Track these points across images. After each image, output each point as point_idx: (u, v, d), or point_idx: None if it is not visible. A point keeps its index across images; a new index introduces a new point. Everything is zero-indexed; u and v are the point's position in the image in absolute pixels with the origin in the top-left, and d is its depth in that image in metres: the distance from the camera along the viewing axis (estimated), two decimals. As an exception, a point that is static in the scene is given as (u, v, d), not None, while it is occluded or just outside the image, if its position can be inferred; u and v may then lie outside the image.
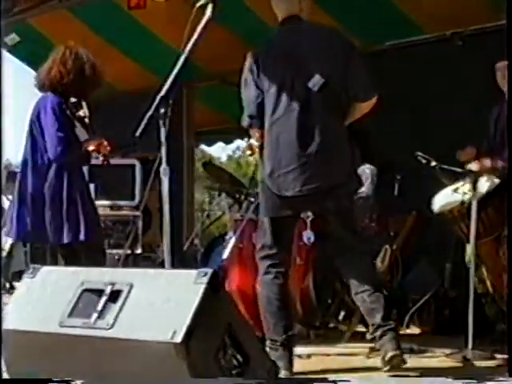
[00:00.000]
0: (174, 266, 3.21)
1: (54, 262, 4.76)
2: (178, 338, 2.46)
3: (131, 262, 6.71)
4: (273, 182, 3.85)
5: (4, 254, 7.15)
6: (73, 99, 4.48)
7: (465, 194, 4.30)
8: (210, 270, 2.63)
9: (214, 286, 2.60)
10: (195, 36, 3.38)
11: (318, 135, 3.75)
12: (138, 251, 6.86)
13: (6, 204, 6.72)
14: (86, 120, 4.50)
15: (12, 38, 7.15)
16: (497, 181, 4.32)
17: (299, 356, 4.12)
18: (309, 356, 4.29)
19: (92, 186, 5.17)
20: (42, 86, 4.58)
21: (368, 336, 3.86)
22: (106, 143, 4.56)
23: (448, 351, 4.22)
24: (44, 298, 2.86)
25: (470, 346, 4.07)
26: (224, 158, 22.71)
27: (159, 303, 2.61)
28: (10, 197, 5.76)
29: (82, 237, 4.36)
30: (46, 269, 3.00)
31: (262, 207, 3.96)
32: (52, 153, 4.39)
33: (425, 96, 6.04)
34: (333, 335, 5.04)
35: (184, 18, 3.41)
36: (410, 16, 6.17)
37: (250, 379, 2.65)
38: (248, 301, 4.58)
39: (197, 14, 3.44)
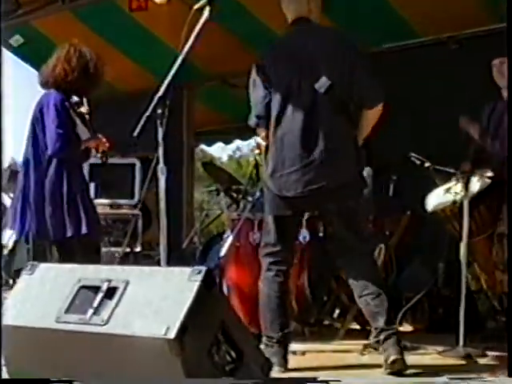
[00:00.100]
0: (169, 263, 3.24)
1: (55, 260, 4.80)
2: (172, 334, 2.48)
3: (131, 259, 6.75)
4: (274, 183, 3.87)
5: (6, 251, 7.21)
6: (75, 98, 4.50)
7: (456, 193, 4.34)
8: (204, 268, 2.65)
9: (208, 284, 2.63)
10: (192, 37, 3.41)
11: (323, 136, 3.75)
12: (138, 249, 6.88)
13: (8, 202, 6.77)
14: (87, 117, 4.53)
15: (16, 40, 7.26)
16: (488, 180, 4.37)
17: (294, 353, 4.14)
18: (303, 353, 4.32)
19: (92, 186, 5.22)
20: (46, 83, 4.59)
21: (371, 339, 3.89)
22: (104, 140, 4.60)
23: (440, 348, 4.25)
24: (42, 294, 2.88)
25: (461, 343, 4.11)
26: (224, 158, 22.74)
27: (154, 300, 2.62)
28: (13, 195, 5.80)
29: (84, 229, 4.36)
30: (44, 266, 3.03)
31: (267, 206, 3.99)
32: (51, 148, 4.40)
33: (421, 98, 6.05)
34: (327, 332, 5.07)
35: (184, 20, 3.44)
36: (411, 21, 6.19)
37: (246, 379, 2.67)
38: (244, 298, 4.63)
39: (194, 16, 3.47)
